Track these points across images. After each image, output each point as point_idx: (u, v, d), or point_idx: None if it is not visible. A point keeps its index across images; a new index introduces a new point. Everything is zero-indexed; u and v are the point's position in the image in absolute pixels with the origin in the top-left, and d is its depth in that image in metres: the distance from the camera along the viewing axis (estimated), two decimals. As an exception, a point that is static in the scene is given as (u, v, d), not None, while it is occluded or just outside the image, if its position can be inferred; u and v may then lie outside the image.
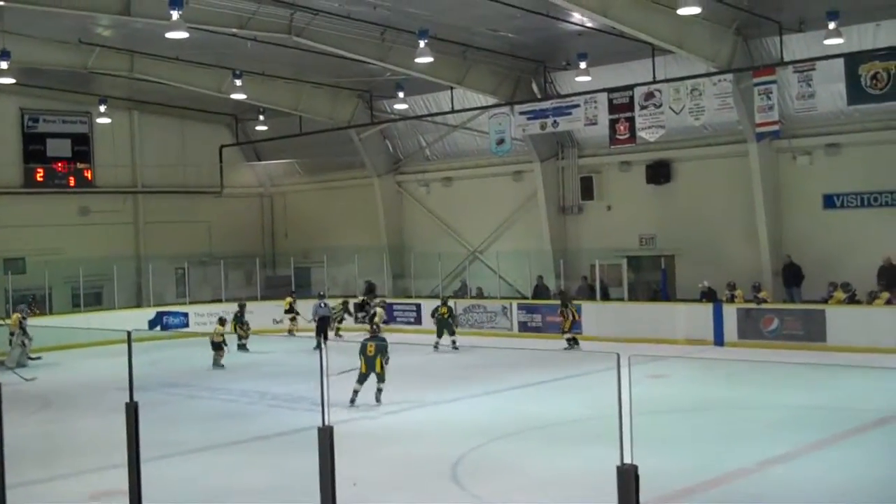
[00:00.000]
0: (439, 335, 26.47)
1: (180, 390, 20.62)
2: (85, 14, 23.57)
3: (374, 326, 20.46)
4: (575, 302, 26.84)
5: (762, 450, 13.13)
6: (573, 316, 25.77)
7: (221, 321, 25.28)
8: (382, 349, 18.08)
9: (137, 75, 29.95)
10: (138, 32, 26.10)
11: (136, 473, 9.40)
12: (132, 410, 9.52)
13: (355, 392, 17.68)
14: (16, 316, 25.45)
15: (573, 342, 25.69)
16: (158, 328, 31.01)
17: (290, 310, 30.43)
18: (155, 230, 36.59)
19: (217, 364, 24.22)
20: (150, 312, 31.68)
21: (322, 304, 28.91)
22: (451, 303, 28.40)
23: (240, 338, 27.29)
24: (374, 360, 17.74)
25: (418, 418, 16.91)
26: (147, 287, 33.51)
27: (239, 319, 27.73)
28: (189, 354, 25.99)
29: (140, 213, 36.84)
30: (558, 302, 26.56)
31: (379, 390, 17.89)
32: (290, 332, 30.01)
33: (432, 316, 27.29)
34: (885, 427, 14.67)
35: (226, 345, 24.68)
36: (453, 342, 26.28)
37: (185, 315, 32.06)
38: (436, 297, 30.38)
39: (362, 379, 17.79)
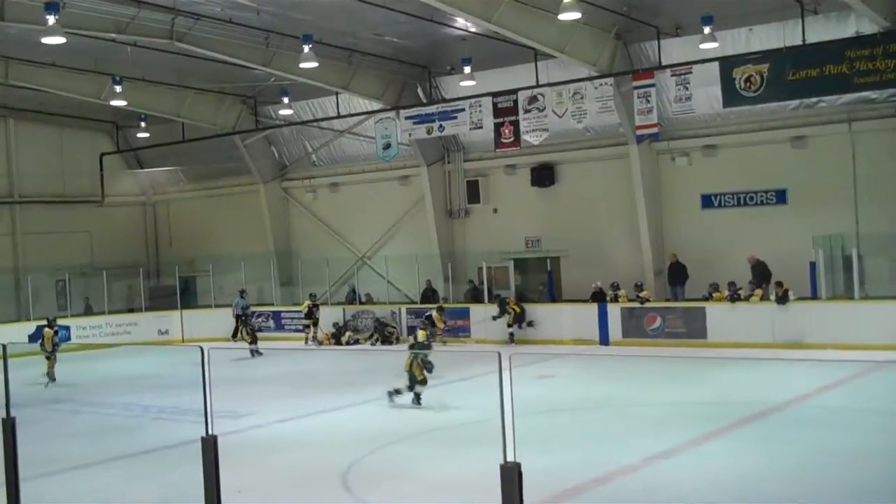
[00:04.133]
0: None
1: (63, 405, 20.07)
2: (-45, 19, 22.82)
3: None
4: (461, 306, 27.07)
5: (647, 446, 13.40)
6: (515, 310, 26.28)
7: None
8: None
9: (13, 82, 28.98)
10: (13, 38, 25.29)
11: (14, 492, 9.16)
12: (9, 426, 9.28)
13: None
14: None
15: (512, 337, 26.21)
16: (39, 342, 30.00)
17: (310, 314, 29.10)
18: (34, 241, 35.55)
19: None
20: (30, 326, 30.68)
21: (242, 298, 28.64)
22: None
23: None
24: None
25: (306, 427, 16.79)
26: (26, 300, 32.55)
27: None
28: (71, 369, 25.28)
29: (18, 223, 35.71)
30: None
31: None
32: (310, 340, 28.78)
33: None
34: (761, 421, 15.14)
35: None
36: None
37: (67, 328, 31.10)
38: (324, 303, 30.28)
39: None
